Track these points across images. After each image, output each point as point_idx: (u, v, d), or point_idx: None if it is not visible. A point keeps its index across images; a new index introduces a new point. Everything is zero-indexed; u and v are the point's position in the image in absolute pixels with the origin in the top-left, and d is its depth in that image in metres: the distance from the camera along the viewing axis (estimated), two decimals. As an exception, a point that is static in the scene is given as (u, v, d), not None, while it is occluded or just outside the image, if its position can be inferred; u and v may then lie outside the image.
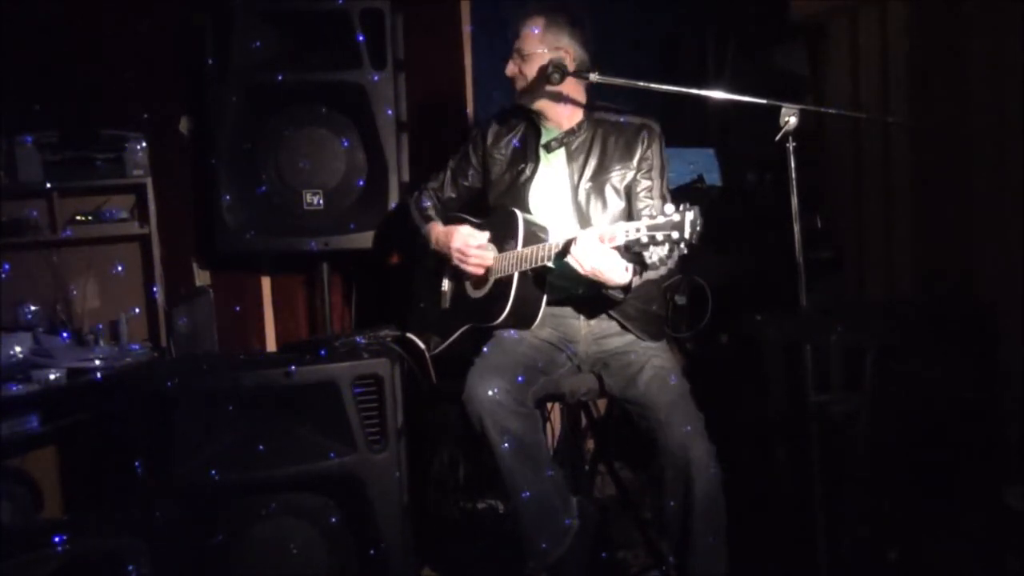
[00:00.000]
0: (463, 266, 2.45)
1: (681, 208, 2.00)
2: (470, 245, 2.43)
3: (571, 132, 2.46)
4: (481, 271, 2.44)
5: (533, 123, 2.51)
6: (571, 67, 2.36)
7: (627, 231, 2.07)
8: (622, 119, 2.46)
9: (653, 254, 2.04)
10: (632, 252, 2.10)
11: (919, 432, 2.43)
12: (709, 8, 3.57)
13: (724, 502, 2.23)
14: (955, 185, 3.06)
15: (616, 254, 2.14)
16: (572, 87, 2.42)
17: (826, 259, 3.21)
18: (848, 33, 3.48)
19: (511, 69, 2.44)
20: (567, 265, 2.21)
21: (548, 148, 2.48)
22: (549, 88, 2.38)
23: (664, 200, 2.42)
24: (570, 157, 2.45)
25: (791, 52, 3.55)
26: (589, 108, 2.48)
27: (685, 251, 2.02)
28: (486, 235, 2.45)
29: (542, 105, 2.46)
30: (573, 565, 2.38)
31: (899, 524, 2.43)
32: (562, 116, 2.47)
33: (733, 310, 2.47)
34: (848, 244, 3.39)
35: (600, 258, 2.13)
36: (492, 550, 2.76)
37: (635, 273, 2.24)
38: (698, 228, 1.99)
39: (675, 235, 2.00)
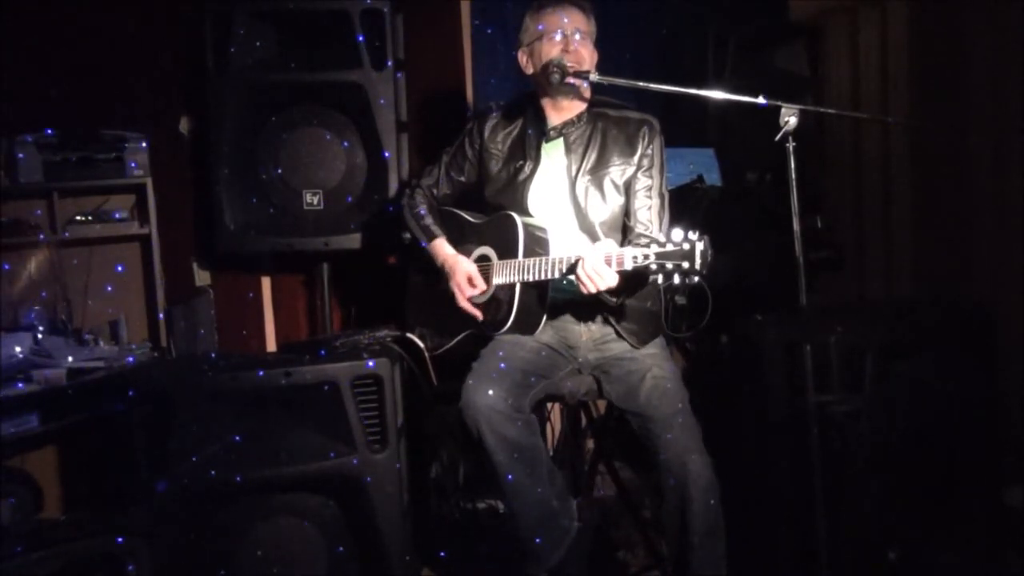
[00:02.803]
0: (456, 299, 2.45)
1: (690, 236, 1.97)
2: (464, 294, 2.41)
3: (570, 123, 2.45)
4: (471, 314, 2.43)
5: (534, 116, 2.49)
6: (595, 64, 2.40)
7: (635, 257, 2.04)
8: (622, 113, 2.46)
9: (660, 281, 2.02)
10: (637, 276, 2.09)
11: (919, 432, 2.43)
12: (709, 8, 3.57)
13: (722, 513, 2.23)
14: (955, 185, 3.06)
15: (619, 277, 2.13)
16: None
17: (826, 259, 3.21)
18: (848, 33, 3.48)
19: (558, 49, 2.38)
20: (570, 281, 2.21)
21: (548, 137, 2.46)
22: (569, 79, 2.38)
23: (663, 198, 2.42)
24: (568, 149, 2.44)
25: (791, 52, 3.55)
26: (590, 100, 2.47)
27: (696, 280, 1.99)
28: (483, 287, 2.41)
29: (557, 96, 2.44)
30: (573, 566, 2.37)
31: (899, 524, 2.43)
32: (568, 105, 2.46)
33: (733, 310, 2.47)
34: (848, 244, 3.39)
35: (606, 282, 2.12)
36: (492, 550, 2.76)
37: (632, 291, 2.25)
38: (708, 259, 1.96)
39: (685, 265, 1.96)
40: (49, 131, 2.98)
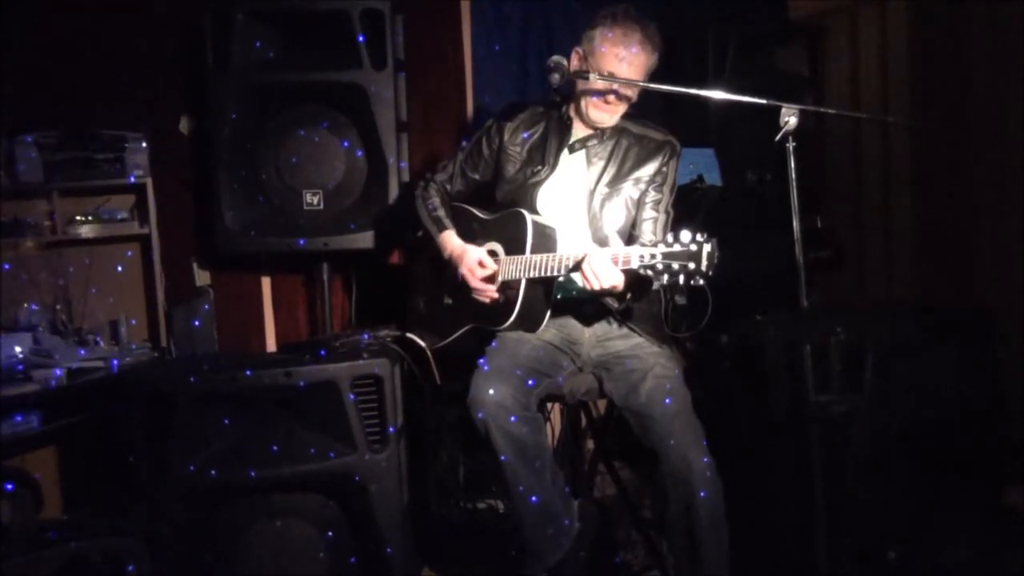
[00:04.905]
0: (467, 285, 2.44)
1: (698, 238, 1.97)
2: (476, 276, 2.39)
3: (594, 136, 2.45)
4: (484, 300, 2.42)
5: (559, 124, 2.48)
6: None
7: (642, 256, 2.04)
8: (645, 131, 2.46)
9: (665, 281, 2.02)
10: (641, 277, 2.09)
11: (919, 432, 2.43)
12: (709, 8, 3.57)
13: (725, 512, 2.24)
14: (955, 185, 3.07)
15: (625, 275, 2.13)
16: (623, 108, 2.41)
17: (826, 259, 3.21)
18: (848, 33, 3.49)
19: (601, 85, 2.32)
20: (574, 280, 2.22)
21: (571, 148, 2.46)
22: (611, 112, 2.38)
23: (668, 215, 2.43)
24: (589, 161, 2.44)
25: (791, 52, 3.55)
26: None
27: (701, 283, 1.99)
28: (494, 268, 2.40)
29: (594, 118, 2.42)
30: (573, 566, 2.38)
31: (899, 524, 2.43)
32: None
33: (733, 310, 2.47)
34: (848, 244, 3.40)
35: (611, 280, 2.12)
36: (492, 550, 2.76)
37: (634, 296, 2.25)
38: (715, 260, 1.97)
39: (691, 266, 1.97)
40: (49, 131, 2.99)
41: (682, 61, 3.58)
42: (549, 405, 2.72)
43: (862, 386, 2.35)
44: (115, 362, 2.89)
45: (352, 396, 2.35)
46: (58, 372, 2.75)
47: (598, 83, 2.32)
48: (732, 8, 3.53)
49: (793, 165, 2.11)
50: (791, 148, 2.10)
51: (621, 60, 2.32)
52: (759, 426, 2.49)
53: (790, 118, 2.09)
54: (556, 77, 2.35)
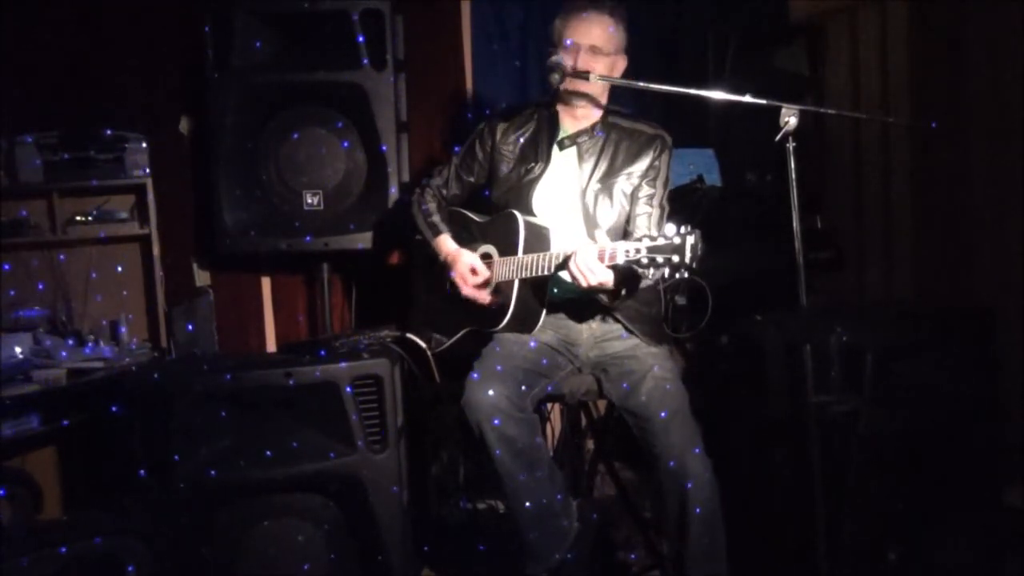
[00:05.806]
0: (459, 290, 2.46)
1: (682, 231, 1.98)
2: (468, 282, 2.42)
3: (584, 132, 2.46)
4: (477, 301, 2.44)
5: (548, 120, 2.49)
6: (619, 74, 2.40)
7: (627, 251, 2.05)
8: (635, 126, 2.46)
9: (651, 275, 2.03)
10: (629, 271, 2.10)
11: (919, 432, 2.43)
12: (709, 8, 3.57)
13: (721, 512, 2.24)
14: (955, 185, 3.06)
15: (612, 272, 2.14)
16: (599, 88, 2.42)
17: (826, 259, 3.21)
18: (848, 33, 3.48)
19: (570, 61, 2.36)
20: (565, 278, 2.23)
21: (561, 145, 2.47)
22: (579, 88, 2.39)
23: (663, 209, 2.43)
24: (580, 158, 2.45)
25: (791, 52, 3.55)
26: (605, 111, 2.48)
27: (686, 275, 2.00)
28: (486, 274, 2.42)
29: (572, 102, 2.45)
30: (573, 567, 2.38)
31: (899, 524, 2.43)
32: (583, 115, 2.47)
33: (733, 310, 2.47)
34: (848, 244, 3.39)
35: (598, 276, 2.13)
36: (492, 550, 2.76)
37: (626, 292, 2.25)
38: (699, 252, 1.98)
39: (675, 259, 1.98)
40: (49, 131, 2.99)
41: (682, 61, 3.58)
42: (549, 405, 2.72)
43: (862, 386, 2.35)
44: (111, 354, 2.89)
45: (352, 395, 2.35)
46: (58, 372, 2.75)
47: (568, 51, 2.36)
48: (732, 8, 3.53)
49: (793, 165, 2.10)
50: (791, 148, 2.10)
51: (576, 23, 2.38)
52: (759, 426, 2.49)
53: (790, 118, 2.09)
54: (556, 77, 2.35)
